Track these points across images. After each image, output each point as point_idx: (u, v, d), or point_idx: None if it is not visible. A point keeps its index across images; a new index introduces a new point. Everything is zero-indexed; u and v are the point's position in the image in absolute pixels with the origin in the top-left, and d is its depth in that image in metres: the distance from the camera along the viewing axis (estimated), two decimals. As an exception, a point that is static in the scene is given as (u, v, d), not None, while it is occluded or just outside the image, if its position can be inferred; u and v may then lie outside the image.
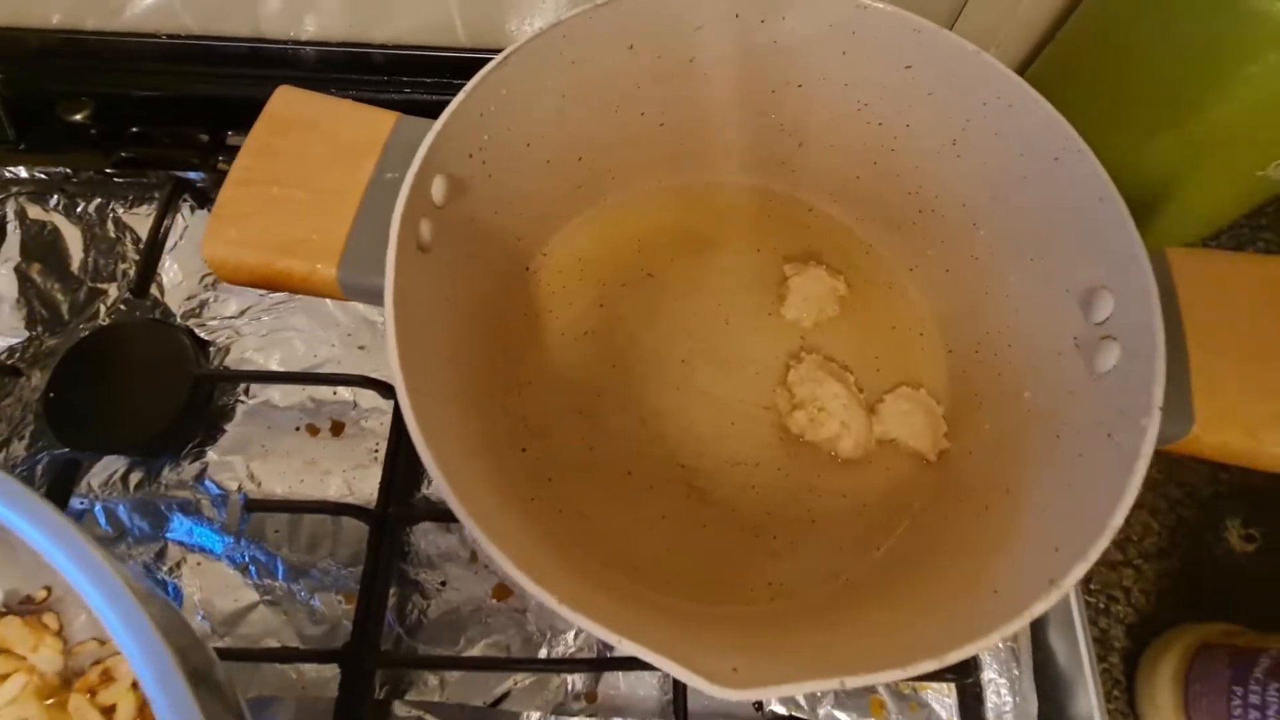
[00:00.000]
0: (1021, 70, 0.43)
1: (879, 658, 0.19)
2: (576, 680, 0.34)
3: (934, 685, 0.33)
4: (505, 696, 0.34)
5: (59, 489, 0.35)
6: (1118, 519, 0.20)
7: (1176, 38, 0.33)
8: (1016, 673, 0.33)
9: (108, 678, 0.26)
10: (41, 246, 0.43)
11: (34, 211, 0.44)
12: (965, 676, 0.32)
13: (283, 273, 0.24)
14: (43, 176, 0.43)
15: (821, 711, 0.33)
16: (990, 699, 0.33)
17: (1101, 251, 0.26)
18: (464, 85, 0.26)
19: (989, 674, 0.33)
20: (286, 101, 0.26)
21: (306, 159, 0.25)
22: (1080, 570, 0.19)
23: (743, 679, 0.18)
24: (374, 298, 0.25)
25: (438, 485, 0.20)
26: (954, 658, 0.18)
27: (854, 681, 0.18)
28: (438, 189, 0.26)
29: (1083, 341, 0.26)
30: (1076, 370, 0.26)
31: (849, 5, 0.29)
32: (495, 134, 0.29)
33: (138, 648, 0.19)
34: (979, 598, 0.21)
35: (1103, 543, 0.20)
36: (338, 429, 0.39)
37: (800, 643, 0.23)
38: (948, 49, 0.29)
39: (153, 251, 0.40)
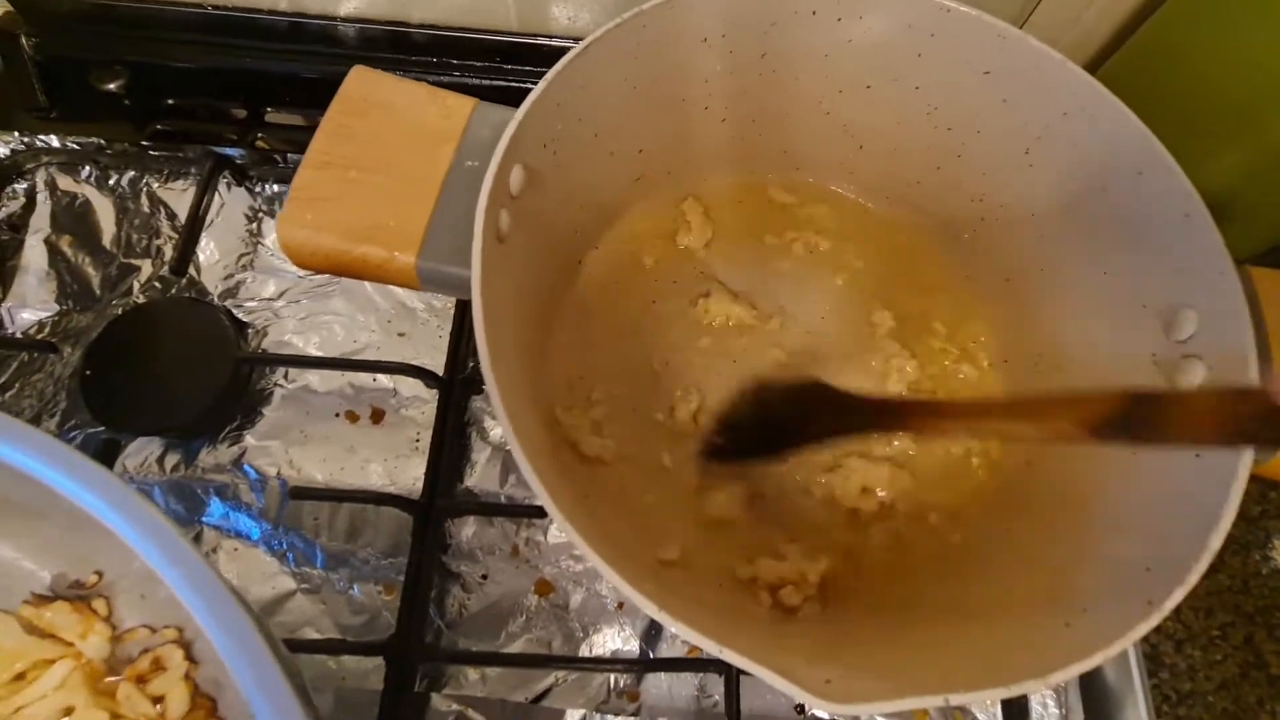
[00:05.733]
0: (1079, 79, 0.42)
1: (978, 674, 0.18)
2: (620, 678, 0.34)
3: (978, 694, 0.33)
4: (547, 693, 0.34)
5: (96, 469, 0.35)
6: (1216, 540, 0.20)
7: (1246, 56, 0.33)
8: (1063, 685, 0.33)
9: (158, 666, 0.26)
10: (72, 218, 0.42)
11: (65, 182, 0.42)
12: (1012, 687, 0.32)
13: (359, 259, 0.23)
14: (74, 146, 0.42)
15: (863, 718, 0.33)
16: (1035, 710, 0.33)
17: (1185, 269, 0.25)
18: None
19: (1034, 684, 0.33)
20: (362, 82, 0.25)
21: (384, 143, 0.24)
22: (1180, 593, 0.19)
23: (837, 691, 0.18)
24: (451, 288, 0.24)
25: (534, 489, 0.19)
26: (1057, 679, 0.18)
27: (959, 699, 0.18)
28: (516, 179, 0.25)
29: (1162, 359, 0.26)
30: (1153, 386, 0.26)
31: (932, 7, 0.29)
32: (568, 125, 0.28)
33: (228, 632, 0.18)
34: (1067, 614, 0.21)
35: (1203, 564, 0.19)
36: (378, 416, 0.39)
37: (885, 655, 0.23)
38: (1032, 56, 0.28)
39: (193, 229, 0.39)
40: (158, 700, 0.26)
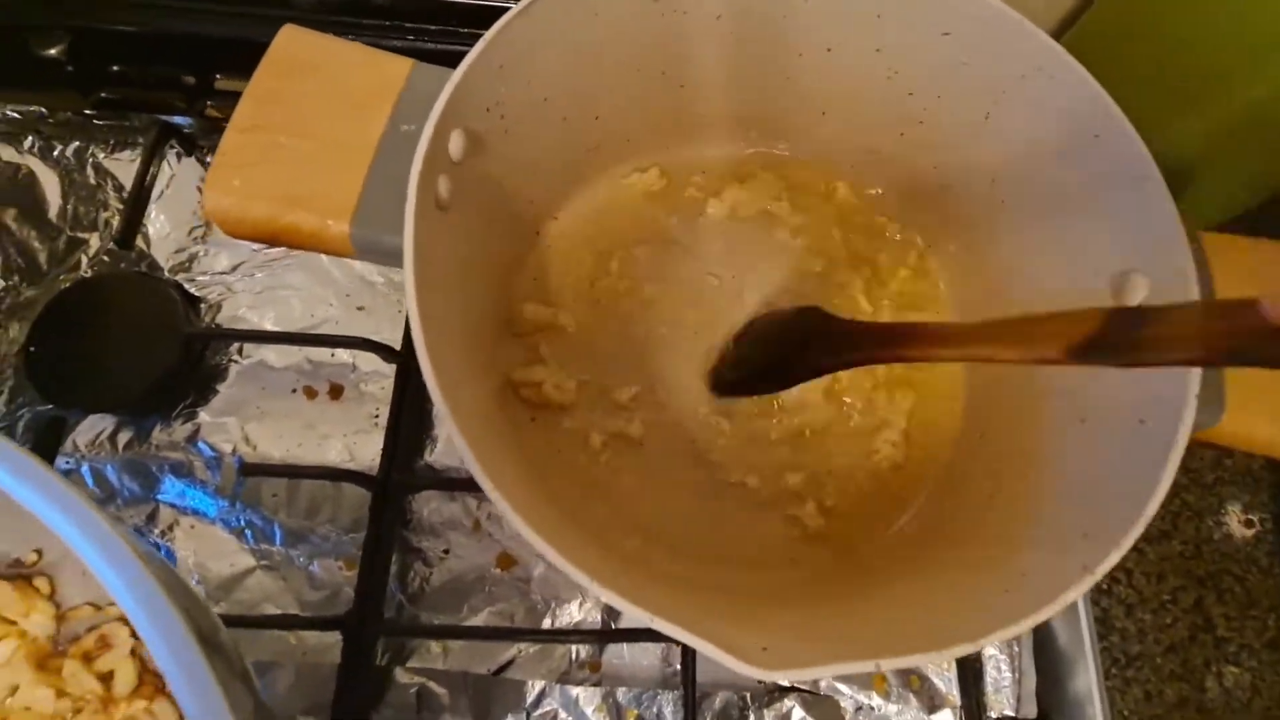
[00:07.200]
0: (1049, 43, 0.41)
1: (912, 640, 0.18)
2: (580, 649, 0.34)
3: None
4: (509, 665, 0.34)
5: (43, 447, 0.34)
6: (1151, 507, 0.20)
7: (1211, 19, 0.32)
8: (1016, 649, 0.33)
9: (104, 644, 0.26)
10: (16, 191, 0.40)
11: (7, 153, 0.41)
12: (967, 652, 0.33)
13: (290, 227, 0.23)
14: (15, 116, 0.41)
15: (824, 682, 0.34)
16: (989, 674, 0.33)
17: (1138, 234, 0.25)
18: (474, 34, 0.24)
19: (989, 649, 0.34)
20: (292, 43, 0.24)
21: (315, 106, 0.23)
22: (1115, 557, 0.19)
23: (773, 659, 0.18)
24: (387, 257, 0.24)
25: (464, 458, 0.19)
26: (987, 641, 0.18)
27: (889, 664, 0.18)
28: (456, 144, 0.24)
29: (1113, 325, 0.26)
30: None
31: (889, -36, 0.28)
32: (513, 88, 0.27)
33: (146, 612, 0.18)
34: (1006, 580, 0.21)
35: (1137, 530, 0.19)
36: (336, 392, 0.38)
37: (825, 622, 0.23)
38: (991, 16, 0.27)
39: (138, 200, 0.37)
40: (105, 677, 0.25)
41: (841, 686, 0.33)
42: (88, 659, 0.26)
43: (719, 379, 0.29)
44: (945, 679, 0.34)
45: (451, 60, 0.24)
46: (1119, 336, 0.18)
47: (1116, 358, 0.18)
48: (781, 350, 0.27)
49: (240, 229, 0.23)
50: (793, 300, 0.35)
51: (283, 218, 0.22)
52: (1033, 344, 0.20)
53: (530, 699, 0.33)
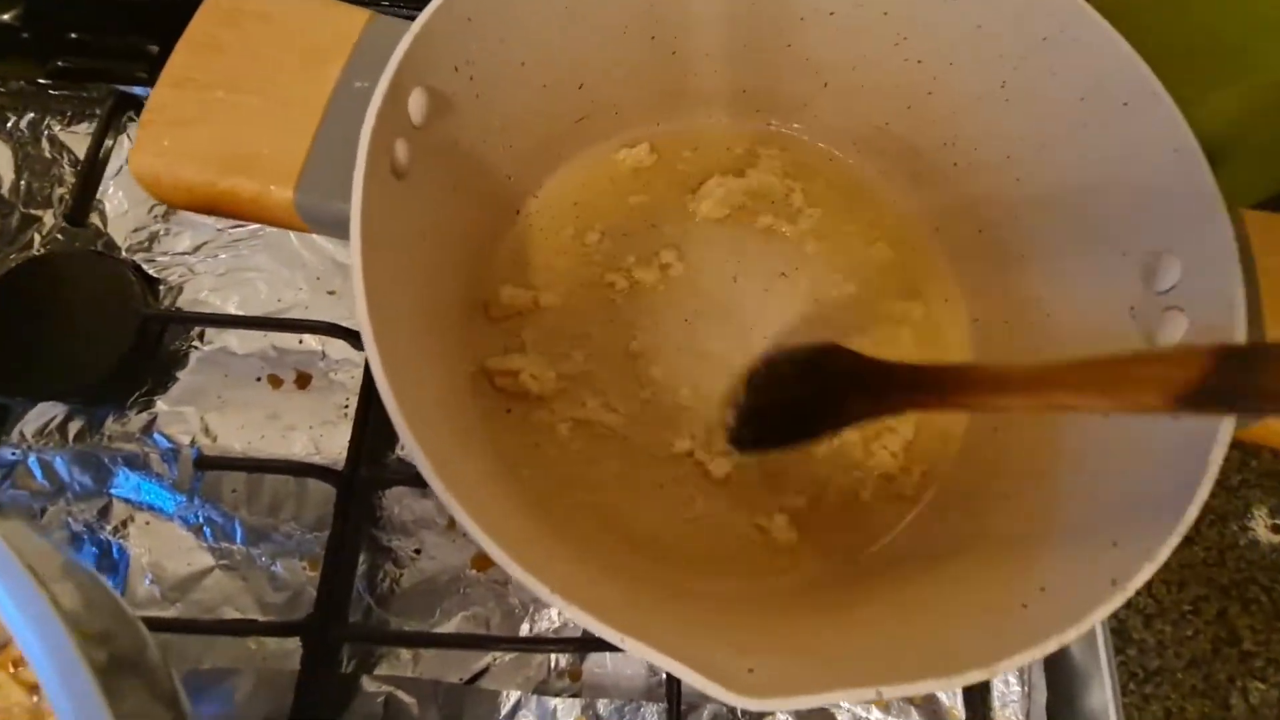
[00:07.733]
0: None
1: (918, 661, 0.16)
2: (560, 658, 0.32)
3: (938, 671, 0.32)
4: (483, 673, 0.32)
5: (-15, 437, 0.32)
6: (1191, 513, 0.18)
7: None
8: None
9: (33, 653, 0.23)
10: (-35, 165, 0.38)
11: (-44, 125, 0.39)
12: (973, 664, 0.30)
13: (228, 193, 0.20)
14: (-35, 85, 0.38)
15: (818, 695, 0.31)
16: (997, 687, 0.31)
17: (1171, 211, 0.23)
18: None
19: (996, 661, 0.31)
20: (236, -11, 0.22)
21: (259, 58, 0.21)
22: (1149, 570, 0.17)
23: (761, 683, 0.16)
24: (337, 229, 0.21)
25: (411, 452, 0.17)
26: (1004, 667, 0.16)
27: (892, 692, 0.15)
28: (417, 104, 0.22)
29: (1141, 312, 0.23)
30: (1130, 344, 0.23)
31: (898, -85, 0.25)
32: (486, 46, 0.25)
33: (34, 635, 0.16)
34: (1023, 594, 0.19)
35: (1174, 539, 0.17)
36: (303, 381, 0.36)
37: (820, 636, 0.21)
38: (1009, -29, 0.25)
39: (91, 174, 0.35)
40: (34, 689, 0.23)
41: (838, 699, 0.31)
42: (15, 668, 0.24)
43: (736, 436, 0.25)
44: (949, 692, 0.31)
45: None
46: (1234, 380, 0.15)
47: (1236, 405, 0.16)
48: (802, 398, 0.23)
49: (174, 195, 0.21)
50: (792, 285, 0.33)
51: (220, 182, 0.20)
52: (1125, 391, 0.16)
53: (505, 710, 0.31)
